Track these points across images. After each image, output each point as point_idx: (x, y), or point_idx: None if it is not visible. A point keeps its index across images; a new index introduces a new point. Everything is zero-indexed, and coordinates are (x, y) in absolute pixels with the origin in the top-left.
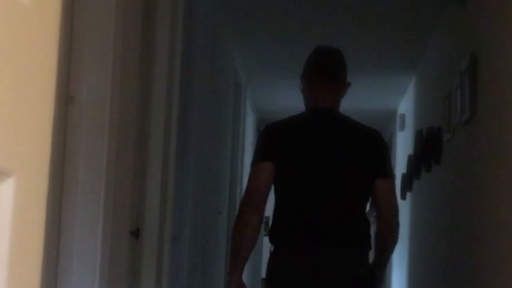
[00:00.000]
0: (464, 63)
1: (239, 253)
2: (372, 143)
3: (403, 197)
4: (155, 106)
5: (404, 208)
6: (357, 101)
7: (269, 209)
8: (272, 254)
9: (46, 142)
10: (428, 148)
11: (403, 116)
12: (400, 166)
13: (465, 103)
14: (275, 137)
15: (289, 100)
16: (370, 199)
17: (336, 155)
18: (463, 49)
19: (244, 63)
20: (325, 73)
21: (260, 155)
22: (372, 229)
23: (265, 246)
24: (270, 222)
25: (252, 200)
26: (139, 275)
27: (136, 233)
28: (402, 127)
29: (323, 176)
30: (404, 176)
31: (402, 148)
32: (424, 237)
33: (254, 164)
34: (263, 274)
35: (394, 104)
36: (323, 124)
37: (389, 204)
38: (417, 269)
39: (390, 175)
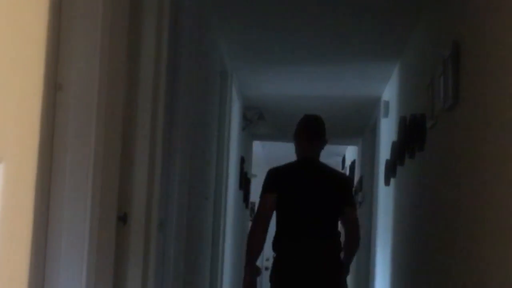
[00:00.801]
0: (447, 50)
1: (252, 255)
2: (341, 184)
3: (387, 183)
4: (142, 92)
5: (388, 194)
6: (342, 88)
7: None
8: (274, 258)
9: (34, 129)
10: (411, 135)
11: (387, 103)
12: (384, 152)
13: (448, 90)
14: (277, 177)
15: (274, 87)
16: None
17: (317, 190)
18: (446, 37)
19: (230, 51)
20: (309, 134)
21: (267, 189)
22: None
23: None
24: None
25: (261, 220)
26: (127, 260)
27: (123, 219)
28: (386, 114)
29: (309, 204)
30: (388, 162)
31: (386, 135)
32: (407, 222)
33: (262, 195)
34: None
35: (378, 91)
36: (309, 170)
37: (353, 223)
38: (400, 254)
39: (354, 204)
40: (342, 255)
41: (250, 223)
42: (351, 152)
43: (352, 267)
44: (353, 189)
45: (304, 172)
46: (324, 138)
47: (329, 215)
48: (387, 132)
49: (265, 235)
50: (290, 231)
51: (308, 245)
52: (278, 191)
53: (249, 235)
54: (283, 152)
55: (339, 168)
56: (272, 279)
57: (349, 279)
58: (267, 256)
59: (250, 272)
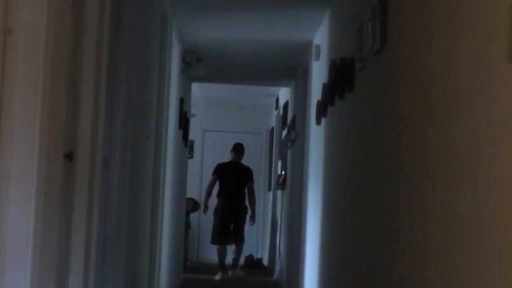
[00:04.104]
0: None
1: (206, 198)
2: (247, 171)
3: (318, 122)
4: (87, 37)
5: (319, 133)
6: (276, 33)
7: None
8: (217, 203)
9: None
10: (341, 77)
11: (318, 47)
12: (315, 93)
13: (376, 35)
14: (219, 167)
15: (212, 31)
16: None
17: (236, 174)
18: None
19: None
20: (236, 150)
21: (214, 172)
22: None
23: None
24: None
25: (210, 186)
26: (72, 195)
27: (69, 156)
28: (318, 57)
29: (231, 180)
30: (319, 103)
31: (317, 77)
32: (337, 159)
33: (212, 175)
34: None
35: (310, 36)
36: (233, 165)
37: (251, 190)
38: (330, 189)
39: (252, 181)
40: (247, 203)
41: (189, 160)
42: (284, 93)
43: (286, 200)
44: (252, 174)
45: (231, 166)
46: (243, 153)
47: (240, 186)
48: (318, 75)
49: (211, 191)
50: (223, 192)
51: (230, 199)
52: (218, 174)
53: (206, 190)
54: (220, 93)
55: (273, 108)
56: (216, 212)
57: (284, 211)
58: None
59: (205, 204)
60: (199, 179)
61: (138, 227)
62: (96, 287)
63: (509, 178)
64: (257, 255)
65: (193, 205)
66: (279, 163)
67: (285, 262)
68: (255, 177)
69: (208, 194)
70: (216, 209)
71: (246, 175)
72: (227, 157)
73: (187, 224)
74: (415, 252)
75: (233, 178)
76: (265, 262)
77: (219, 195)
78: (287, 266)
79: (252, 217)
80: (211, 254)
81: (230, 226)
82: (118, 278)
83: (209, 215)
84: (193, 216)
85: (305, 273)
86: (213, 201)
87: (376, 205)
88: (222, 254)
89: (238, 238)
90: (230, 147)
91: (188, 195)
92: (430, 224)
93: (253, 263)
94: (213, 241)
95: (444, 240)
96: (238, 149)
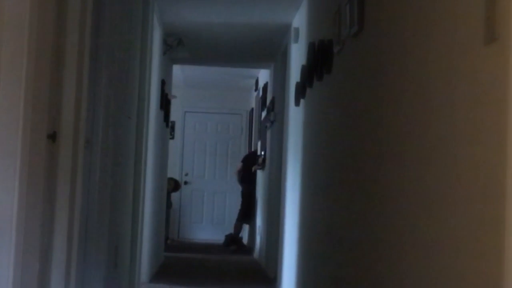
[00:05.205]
0: None
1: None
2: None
3: (297, 103)
4: (70, 20)
5: (298, 114)
6: (254, 16)
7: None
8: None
9: None
10: (320, 59)
11: (297, 30)
12: (294, 75)
13: (354, 18)
14: (244, 157)
15: (193, 14)
16: None
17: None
18: None
19: None
20: (249, 153)
21: (241, 160)
22: None
23: None
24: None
25: (237, 170)
26: (56, 175)
27: (52, 137)
28: (296, 40)
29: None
30: (297, 85)
31: (296, 59)
32: (316, 139)
33: (240, 163)
34: None
35: (289, 18)
36: (251, 155)
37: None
38: (309, 169)
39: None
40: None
41: (170, 141)
42: (264, 75)
43: (265, 179)
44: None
45: (249, 156)
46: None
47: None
48: (297, 57)
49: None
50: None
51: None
52: (243, 162)
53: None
54: (201, 75)
55: (252, 89)
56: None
57: (263, 190)
58: (185, 172)
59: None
60: (180, 159)
61: (120, 206)
62: (79, 264)
63: (484, 155)
64: None
65: (174, 185)
66: (259, 143)
67: (265, 241)
68: (235, 158)
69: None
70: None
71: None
72: (207, 137)
73: (168, 204)
74: (393, 225)
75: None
76: (245, 241)
77: (244, 180)
78: (267, 244)
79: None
80: (191, 233)
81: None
82: (100, 256)
83: (188, 196)
84: (174, 196)
85: (284, 251)
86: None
87: (353, 183)
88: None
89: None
90: (210, 128)
91: (169, 175)
92: (405, 199)
93: (233, 242)
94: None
95: (419, 215)
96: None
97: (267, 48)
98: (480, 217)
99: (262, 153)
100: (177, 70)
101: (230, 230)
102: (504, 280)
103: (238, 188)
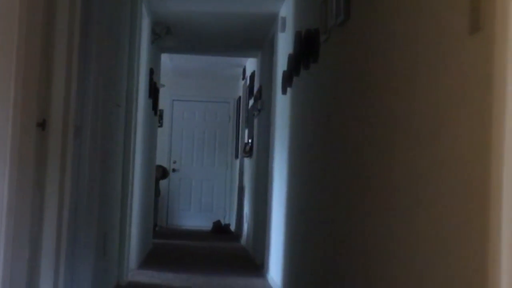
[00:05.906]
0: None
1: None
2: None
3: (284, 92)
4: (60, 9)
5: (285, 102)
6: (241, 5)
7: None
8: None
9: None
10: (306, 48)
11: (284, 19)
12: (281, 64)
13: (340, 7)
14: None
15: (180, 3)
16: None
17: None
18: None
19: None
20: None
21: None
22: None
23: None
24: None
25: None
26: (45, 163)
27: (42, 125)
28: (283, 29)
29: None
30: (284, 73)
31: (283, 48)
32: (303, 127)
33: None
34: None
35: (276, 8)
36: None
37: None
38: (295, 156)
39: None
40: None
41: (158, 129)
42: (251, 64)
43: (252, 167)
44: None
45: None
46: None
47: None
48: (284, 46)
49: None
50: None
51: None
52: None
53: None
54: (189, 64)
55: (240, 78)
56: None
57: (250, 178)
58: (173, 159)
59: None
60: (168, 147)
61: (109, 193)
62: (69, 251)
63: (468, 140)
64: (224, 221)
65: (162, 172)
66: (246, 131)
67: (252, 228)
68: (223, 146)
69: None
70: None
71: None
72: (195, 125)
73: (157, 191)
74: (380, 210)
75: None
76: (232, 228)
77: None
78: (254, 231)
79: None
80: (179, 220)
81: None
82: (89, 243)
83: (176, 183)
84: (163, 183)
85: (271, 238)
86: (184, 167)
87: (340, 170)
88: None
89: None
90: (198, 116)
91: (158, 162)
92: (393, 185)
93: (220, 229)
94: None
95: (406, 197)
96: None
97: (255, 37)
98: (464, 212)
99: (250, 141)
100: (166, 59)
101: (218, 217)
102: (488, 273)
103: (225, 175)
